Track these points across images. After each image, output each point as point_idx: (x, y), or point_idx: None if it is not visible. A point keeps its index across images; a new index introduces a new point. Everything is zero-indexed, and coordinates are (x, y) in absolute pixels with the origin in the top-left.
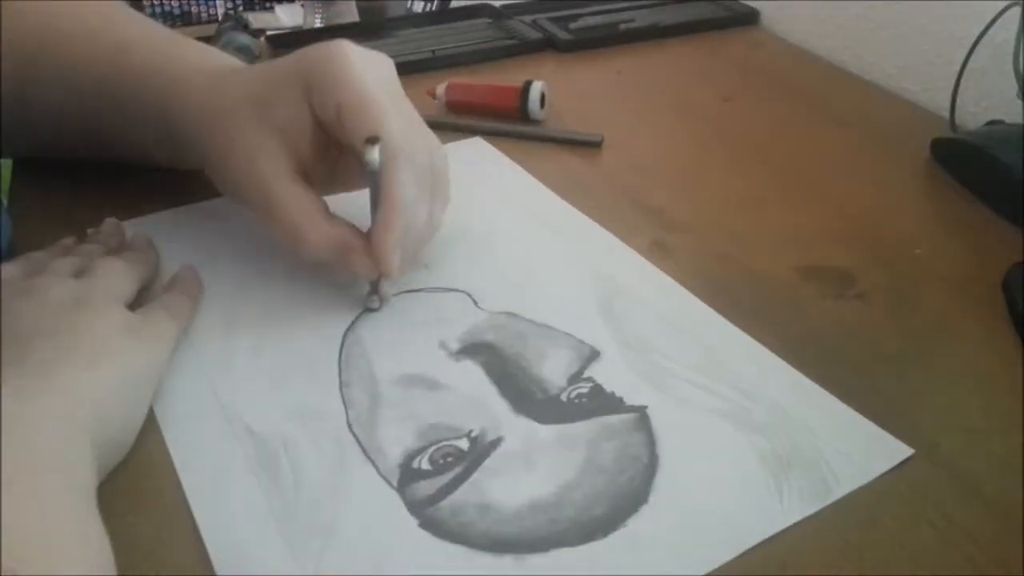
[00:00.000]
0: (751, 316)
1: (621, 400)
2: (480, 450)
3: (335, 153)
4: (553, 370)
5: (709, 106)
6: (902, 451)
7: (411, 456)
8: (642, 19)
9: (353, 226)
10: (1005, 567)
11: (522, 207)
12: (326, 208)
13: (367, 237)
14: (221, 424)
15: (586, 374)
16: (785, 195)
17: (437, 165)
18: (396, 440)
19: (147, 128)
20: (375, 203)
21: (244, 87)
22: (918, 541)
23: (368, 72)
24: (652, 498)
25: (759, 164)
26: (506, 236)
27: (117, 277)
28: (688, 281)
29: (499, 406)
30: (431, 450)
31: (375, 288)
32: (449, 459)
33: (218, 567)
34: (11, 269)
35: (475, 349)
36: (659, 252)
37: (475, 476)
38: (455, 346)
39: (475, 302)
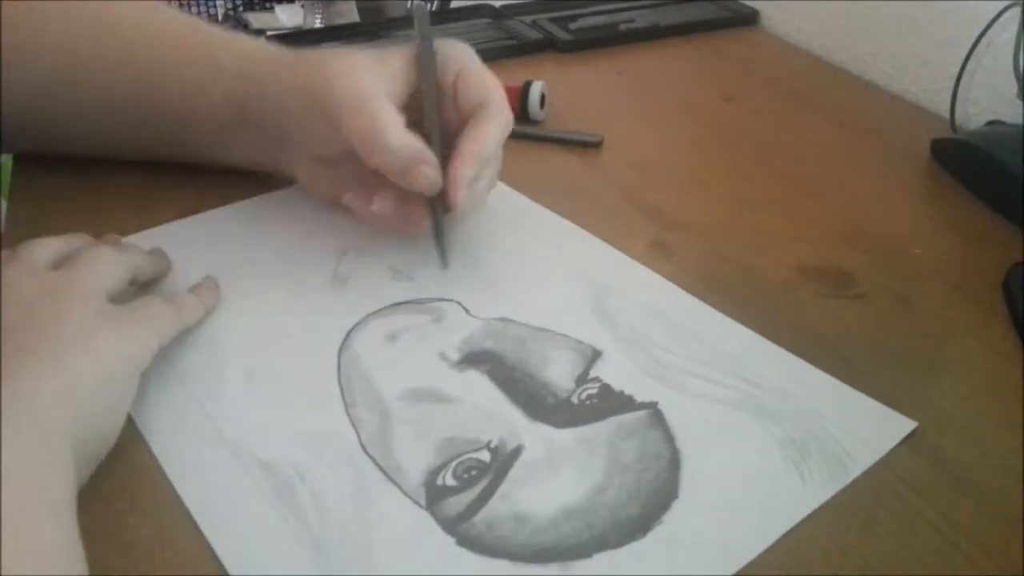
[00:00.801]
0: (751, 316)
1: (631, 398)
2: (503, 460)
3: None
4: (559, 373)
5: (709, 106)
6: (907, 424)
7: (434, 473)
8: (642, 19)
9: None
10: (1005, 567)
11: (510, 219)
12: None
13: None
14: (222, 452)
15: (592, 374)
16: (785, 195)
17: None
18: (415, 458)
19: (210, 102)
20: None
21: (344, 54)
22: (918, 541)
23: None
24: (682, 493)
25: (759, 164)
26: (488, 244)
27: (102, 267)
28: (688, 281)
29: (513, 414)
30: (453, 465)
31: (439, 236)
32: (473, 472)
33: None
34: None
35: (476, 358)
36: (659, 252)
37: (503, 487)
38: (456, 356)
39: (467, 310)
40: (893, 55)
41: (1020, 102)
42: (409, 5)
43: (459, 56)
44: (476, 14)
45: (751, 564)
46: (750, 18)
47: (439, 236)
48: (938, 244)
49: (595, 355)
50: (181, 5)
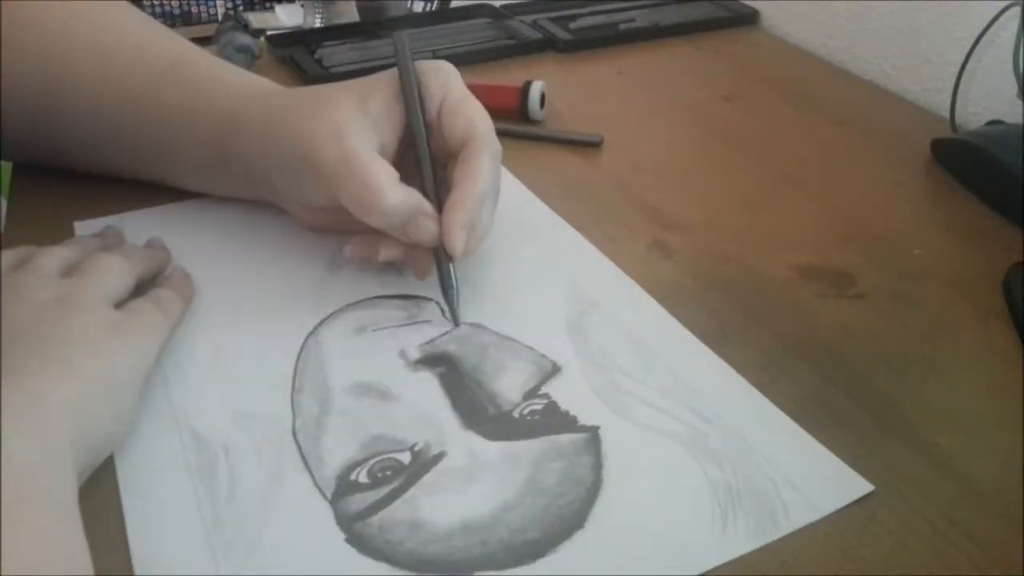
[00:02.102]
0: (750, 315)
1: (575, 419)
2: (420, 464)
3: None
4: (509, 385)
5: (709, 106)
6: (862, 487)
7: (350, 468)
8: (642, 19)
9: (424, 198)
10: (1005, 567)
11: (508, 217)
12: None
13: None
14: (168, 424)
15: (543, 390)
16: (785, 195)
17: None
18: (338, 450)
19: (195, 141)
20: (449, 184)
21: (340, 85)
22: (918, 541)
23: (462, 83)
24: (589, 524)
25: (759, 164)
26: (486, 246)
27: (110, 275)
28: (687, 280)
29: (449, 420)
30: (372, 463)
31: (445, 289)
32: (388, 473)
33: (138, 570)
34: None
35: (434, 360)
36: (658, 251)
37: (411, 492)
38: (415, 355)
39: (443, 311)
40: (893, 55)
41: (1020, 102)
42: (409, 5)
43: (440, 84)
44: (476, 14)
45: (751, 564)
46: (750, 18)
47: (445, 289)
48: (938, 244)
49: (553, 370)
50: (181, 4)
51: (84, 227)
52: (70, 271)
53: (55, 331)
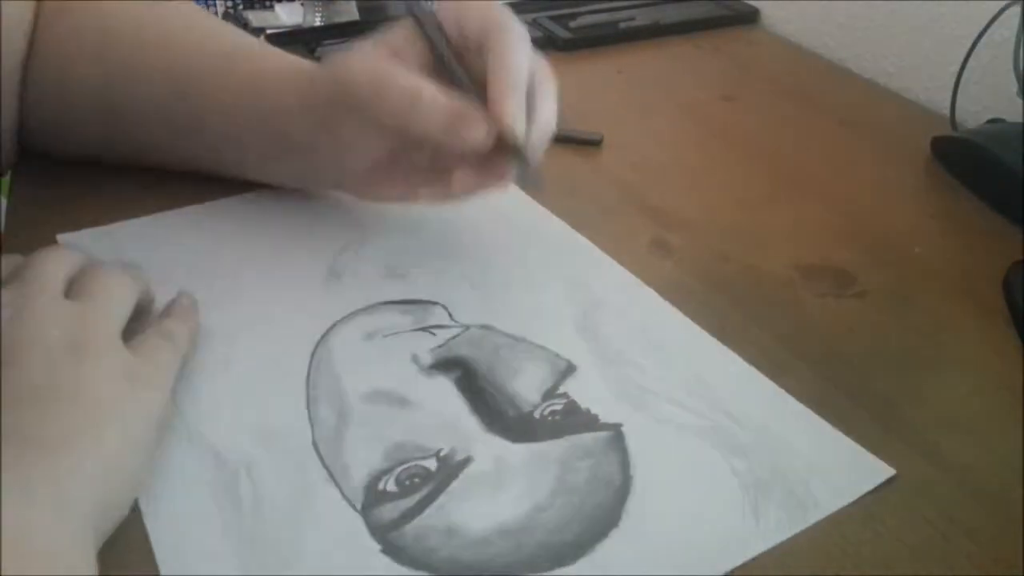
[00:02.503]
0: (750, 315)
1: (596, 417)
2: (448, 470)
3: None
4: (527, 386)
5: (709, 105)
6: (884, 471)
7: (376, 477)
8: (642, 17)
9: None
10: (1005, 566)
11: (507, 218)
12: None
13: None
14: (183, 443)
15: (561, 390)
16: (785, 194)
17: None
18: (362, 460)
19: (256, 130)
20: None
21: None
22: (918, 540)
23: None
24: (623, 522)
25: (759, 163)
26: (486, 248)
27: (117, 296)
28: (687, 279)
29: (470, 424)
30: (398, 471)
31: (522, 165)
32: (416, 480)
33: None
34: None
35: (448, 364)
36: (659, 251)
37: (441, 499)
38: (428, 360)
39: (451, 315)
40: (893, 53)
41: (1020, 100)
42: None
43: (450, 4)
44: None
45: (751, 564)
46: (750, 16)
47: (523, 176)
48: (938, 243)
49: (568, 370)
50: None
51: (66, 239)
52: (73, 290)
53: (74, 389)
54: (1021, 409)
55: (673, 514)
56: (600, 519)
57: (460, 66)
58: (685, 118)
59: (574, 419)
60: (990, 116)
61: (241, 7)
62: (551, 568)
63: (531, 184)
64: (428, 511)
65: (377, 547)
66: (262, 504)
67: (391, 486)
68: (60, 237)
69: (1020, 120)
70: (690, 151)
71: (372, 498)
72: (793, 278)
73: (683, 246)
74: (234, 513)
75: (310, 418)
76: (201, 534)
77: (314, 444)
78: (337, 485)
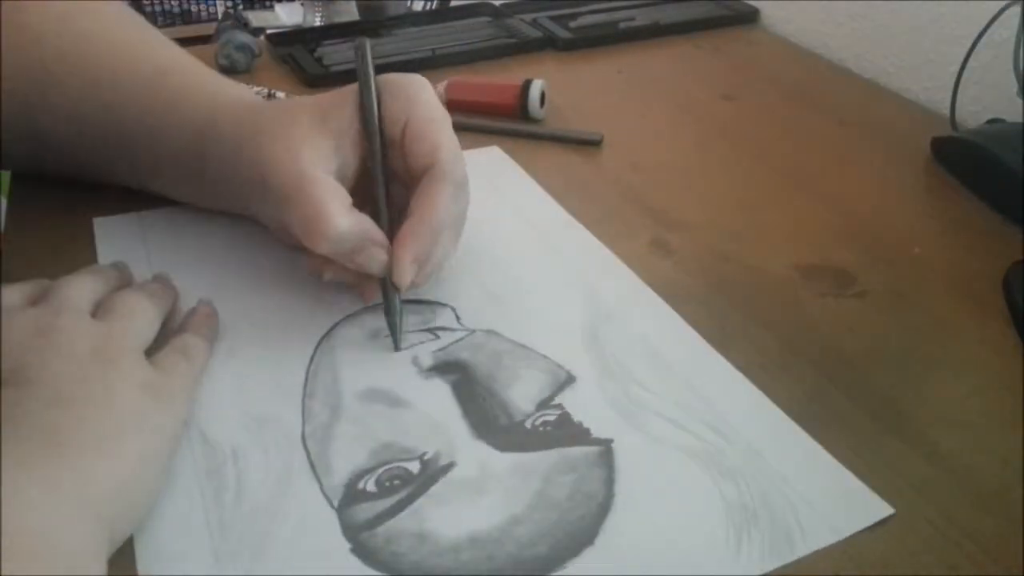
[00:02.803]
0: (750, 314)
1: (588, 431)
2: (429, 474)
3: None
4: (523, 394)
5: (709, 105)
6: (883, 509)
7: (358, 476)
8: (642, 17)
9: (375, 226)
10: (1005, 566)
11: (524, 222)
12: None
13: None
14: None
15: (556, 400)
16: (785, 194)
17: (462, 202)
18: (347, 457)
19: (175, 151)
20: (407, 212)
21: (305, 100)
22: (918, 540)
23: (433, 99)
24: (599, 540)
25: (759, 163)
26: (503, 251)
27: (141, 317)
28: (687, 279)
29: (459, 429)
30: (380, 471)
31: (389, 316)
32: (396, 482)
33: (142, 571)
34: (12, 294)
35: (447, 367)
36: (658, 250)
37: (419, 502)
38: (428, 362)
39: (458, 317)
40: (893, 53)
41: (1020, 100)
42: (409, 4)
43: (407, 100)
44: (476, 12)
45: None
46: (750, 16)
47: (389, 315)
48: (938, 243)
49: (568, 380)
50: (181, 3)
51: (103, 224)
52: (99, 311)
53: (100, 397)
54: (1021, 409)
55: (651, 536)
56: (576, 536)
57: (383, 174)
58: (685, 118)
59: (565, 431)
60: (990, 116)
61: (241, 7)
62: None
63: (389, 325)
64: (403, 514)
65: (348, 546)
66: (243, 492)
67: (371, 486)
68: (96, 221)
69: (1020, 120)
70: (690, 151)
71: (350, 497)
72: (793, 278)
73: (683, 246)
74: (215, 499)
75: (303, 412)
76: (179, 515)
77: (302, 437)
78: (318, 480)
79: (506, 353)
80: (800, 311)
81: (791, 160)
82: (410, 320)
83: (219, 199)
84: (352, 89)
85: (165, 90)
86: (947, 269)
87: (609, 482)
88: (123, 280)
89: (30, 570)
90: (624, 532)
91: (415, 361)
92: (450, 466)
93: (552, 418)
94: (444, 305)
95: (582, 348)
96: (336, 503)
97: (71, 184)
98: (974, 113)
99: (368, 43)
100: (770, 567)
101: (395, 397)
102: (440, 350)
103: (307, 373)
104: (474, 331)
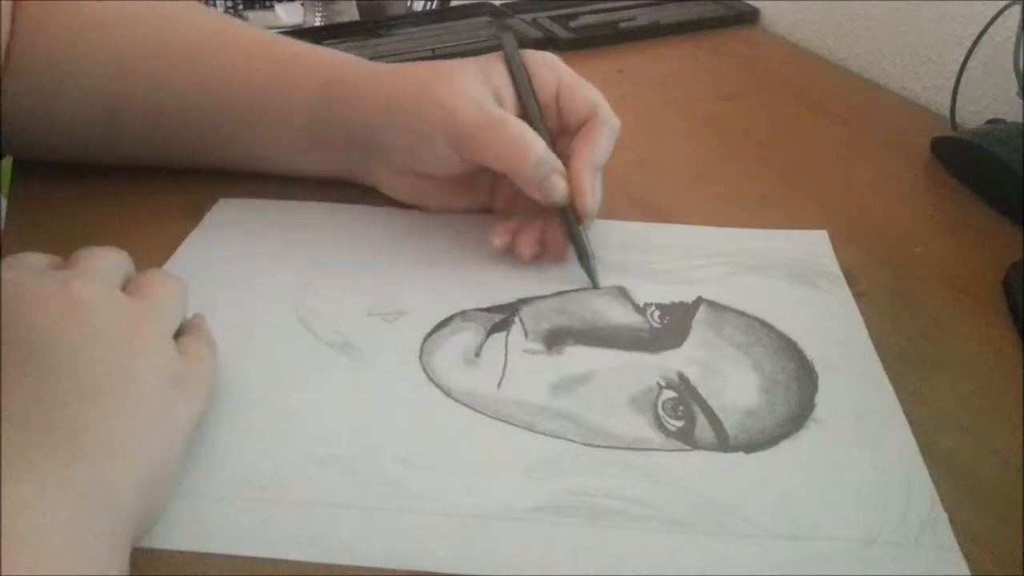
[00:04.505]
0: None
1: (682, 302)
2: (688, 387)
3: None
4: (621, 315)
5: (709, 104)
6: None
7: (656, 425)
8: (642, 17)
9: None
10: (1005, 567)
11: None
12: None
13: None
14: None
15: (638, 302)
16: (785, 193)
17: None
18: (631, 424)
19: (288, 116)
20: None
21: (462, 61)
22: None
23: (569, 69)
24: (819, 400)
25: (759, 162)
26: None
27: (172, 300)
28: None
29: (641, 359)
30: (660, 411)
31: (583, 256)
32: (681, 408)
33: None
34: (36, 257)
35: (551, 338)
36: None
37: (712, 403)
38: (538, 346)
39: (522, 322)
40: (893, 53)
41: (1020, 100)
42: (409, 4)
43: (551, 70)
44: (476, 12)
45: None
46: (750, 16)
47: (582, 255)
48: (938, 242)
49: (622, 290)
50: None
51: (224, 206)
52: (128, 287)
53: (127, 390)
54: (1021, 409)
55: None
56: (802, 390)
57: (546, 130)
58: (685, 118)
59: (675, 312)
60: (990, 116)
61: (241, 7)
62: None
63: (584, 261)
64: (720, 415)
65: (740, 454)
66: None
67: (675, 422)
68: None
69: (1020, 120)
70: (690, 151)
71: (679, 436)
72: None
73: None
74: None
75: (549, 435)
76: None
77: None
78: (639, 450)
79: (556, 303)
80: None
81: (792, 160)
82: (475, 330)
83: (333, 159)
84: (499, 55)
85: (273, 56)
86: (947, 269)
87: (769, 327)
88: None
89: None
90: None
91: (530, 351)
92: (684, 377)
93: (657, 312)
94: (512, 303)
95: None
96: (688, 447)
97: (73, 180)
98: (974, 113)
99: (513, 38)
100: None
101: (572, 375)
102: (531, 332)
103: (475, 411)
104: (599, 286)
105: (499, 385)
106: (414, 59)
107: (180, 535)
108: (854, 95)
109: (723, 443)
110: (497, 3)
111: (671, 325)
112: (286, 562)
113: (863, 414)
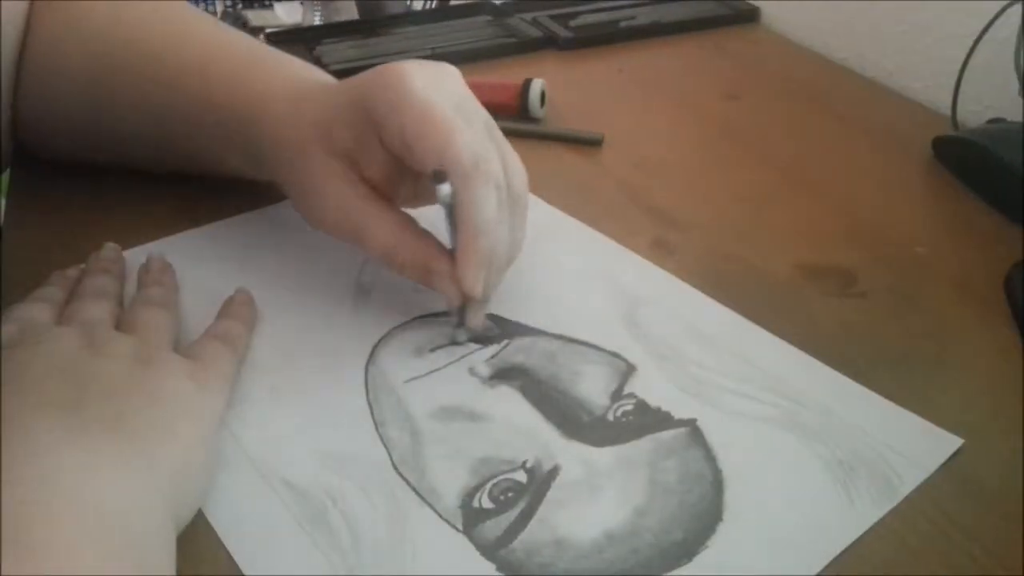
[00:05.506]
0: (753, 314)
1: (669, 415)
2: (540, 481)
3: (415, 172)
4: (593, 389)
5: (710, 104)
6: (953, 442)
7: (470, 495)
8: (643, 16)
9: (441, 245)
10: (1006, 566)
11: (533, 223)
12: (413, 222)
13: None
14: (253, 477)
15: (627, 390)
16: (786, 193)
17: (514, 179)
18: (450, 480)
19: (232, 144)
20: (454, 228)
21: (311, 115)
22: (920, 540)
23: (430, 90)
24: (727, 515)
25: (760, 162)
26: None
27: (162, 325)
28: (690, 279)
29: (548, 432)
30: (488, 486)
31: (460, 320)
32: (510, 494)
33: None
34: (42, 311)
35: (507, 373)
36: (660, 250)
37: (541, 510)
38: (486, 371)
39: (496, 322)
40: (894, 52)
41: (1021, 100)
42: (409, 3)
43: (391, 103)
44: (476, 11)
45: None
46: (751, 15)
47: (460, 319)
48: (940, 242)
49: (629, 370)
50: None
51: (133, 254)
52: (121, 326)
53: (150, 387)
54: (1021, 409)
55: (773, 503)
56: (704, 515)
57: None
58: (686, 117)
59: (648, 418)
60: (991, 115)
61: (240, 6)
62: (670, 569)
63: (463, 329)
64: (531, 524)
65: (492, 566)
66: (358, 532)
67: (486, 502)
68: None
69: (1021, 119)
70: (691, 150)
71: (471, 516)
72: (795, 277)
73: (684, 246)
74: (331, 546)
75: (383, 442)
76: (302, 567)
77: (395, 467)
78: (431, 507)
79: (559, 352)
80: (802, 310)
81: (793, 159)
82: (444, 332)
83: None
84: (347, 86)
85: (211, 81)
86: (949, 269)
87: (711, 459)
88: (119, 276)
89: (109, 548)
90: (747, 503)
91: (473, 372)
92: (556, 470)
93: (631, 407)
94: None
95: (628, 336)
96: (460, 525)
97: (70, 182)
98: (975, 112)
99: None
100: (883, 511)
101: (471, 411)
102: (493, 357)
103: (368, 403)
104: (513, 337)
105: (408, 380)
106: (414, 58)
107: None
108: (855, 94)
109: (496, 545)
110: (497, 2)
111: (624, 426)
112: None
113: None
